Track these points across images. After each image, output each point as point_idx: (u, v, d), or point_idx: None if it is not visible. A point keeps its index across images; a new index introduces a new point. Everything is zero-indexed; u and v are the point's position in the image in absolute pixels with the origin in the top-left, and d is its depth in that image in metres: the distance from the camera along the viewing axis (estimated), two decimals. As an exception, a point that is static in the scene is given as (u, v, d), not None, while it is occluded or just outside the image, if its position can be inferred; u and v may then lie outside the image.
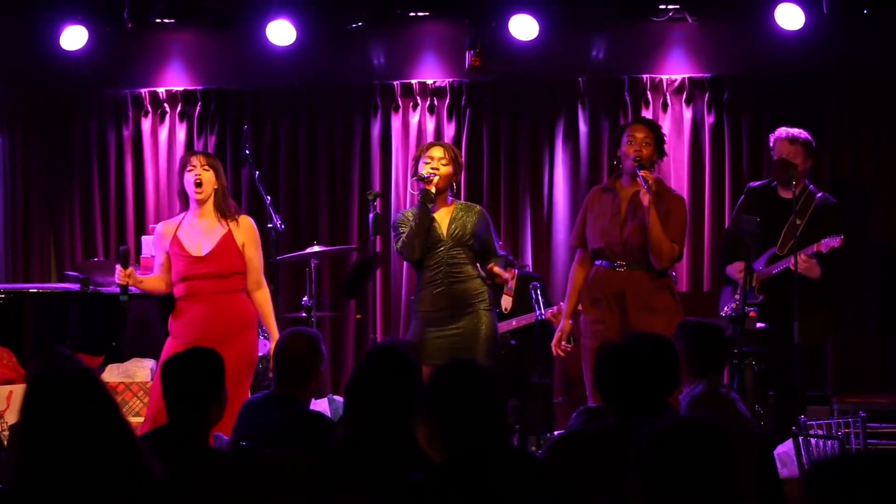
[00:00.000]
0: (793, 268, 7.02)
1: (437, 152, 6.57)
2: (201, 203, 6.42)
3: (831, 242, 7.14)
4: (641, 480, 2.76)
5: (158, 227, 6.63)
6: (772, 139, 7.62)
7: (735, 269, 7.39)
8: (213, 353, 4.49)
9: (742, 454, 2.82)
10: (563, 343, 6.84)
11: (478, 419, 3.32)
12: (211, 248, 6.38)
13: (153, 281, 6.48)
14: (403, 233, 6.54)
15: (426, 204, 6.49)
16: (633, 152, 6.61)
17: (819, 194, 7.45)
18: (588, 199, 6.90)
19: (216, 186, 6.44)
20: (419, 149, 6.76)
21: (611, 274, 6.64)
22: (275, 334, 6.47)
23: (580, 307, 6.86)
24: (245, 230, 6.49)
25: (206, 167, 6.42)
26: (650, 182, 6.50)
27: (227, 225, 6.44)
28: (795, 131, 7.51)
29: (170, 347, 6.30)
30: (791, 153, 7.42)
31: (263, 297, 6.53)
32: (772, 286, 7.31)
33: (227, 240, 6.41)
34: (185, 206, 6.58)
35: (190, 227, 6.44)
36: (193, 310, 6.35)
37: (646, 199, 6.51)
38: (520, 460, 3.34)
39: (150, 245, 7.57)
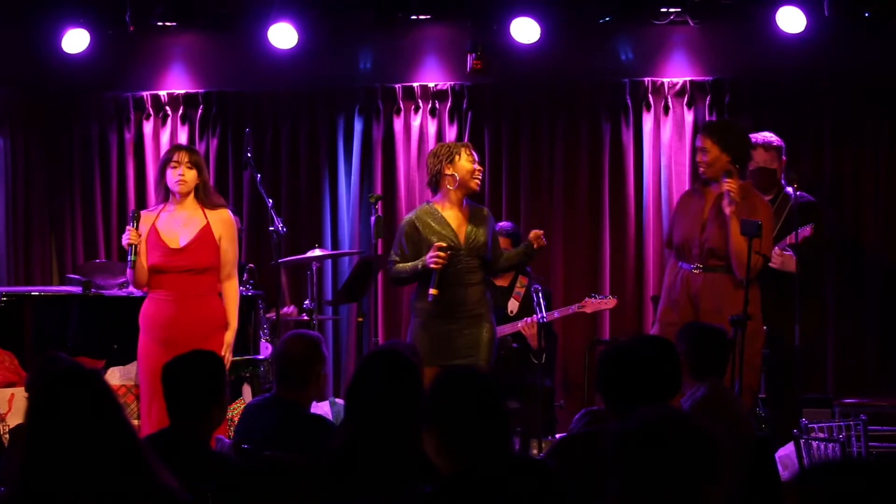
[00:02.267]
0: (772, 263, 7.12)
1: (476, 159, 6.69)
2: (182, 196, 6.41)
3: (803, 232, 7.18)
4: (618, 477, 2.76)
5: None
6: None
7: None
8: (214, 356, 4.49)
9: (717, 445, 2.81)
10: None
11: (487, 428, 3.30)
12: (188, 241, 6.37)
13: (142, 264, 6.35)
14: (403, 257, 6.62)
15: (426, 270, 6.52)
16: (698, 163, 6.72)
17: (794, 194, 7.50)
18: (678, 201, 6.99)
19: (198, 182, 6.43)
20: (455, 145, 6.78)
21: (689, 276, 6.65)
22: (233, 325, 6.43)
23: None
24: (223, 223, 6.46)
25: (190, 166, 6.40)
26: (733, 194, 6.49)
27: (207, 217, 6.42)
28: (770, 137, 7.58)
29: (147, 346, 6.32)
30: (768, 160, 7.50)
31: (232, 287, 6.47)
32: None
33: (206, 232, 6.40)
34: (163, 198, 6.48)
35: (170, 217, 6.40)
36: (166, 310, 6.32)
37: (728, 208, 6.50)
38: (531, 469, 3.33)
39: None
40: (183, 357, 4.42)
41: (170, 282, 6.34)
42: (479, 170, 6.70)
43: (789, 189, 7.59)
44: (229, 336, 6.42)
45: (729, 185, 6.51)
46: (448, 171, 6.60)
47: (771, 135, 7.64)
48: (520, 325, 7.70)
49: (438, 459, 3.30)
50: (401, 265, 6.66)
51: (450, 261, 6.52)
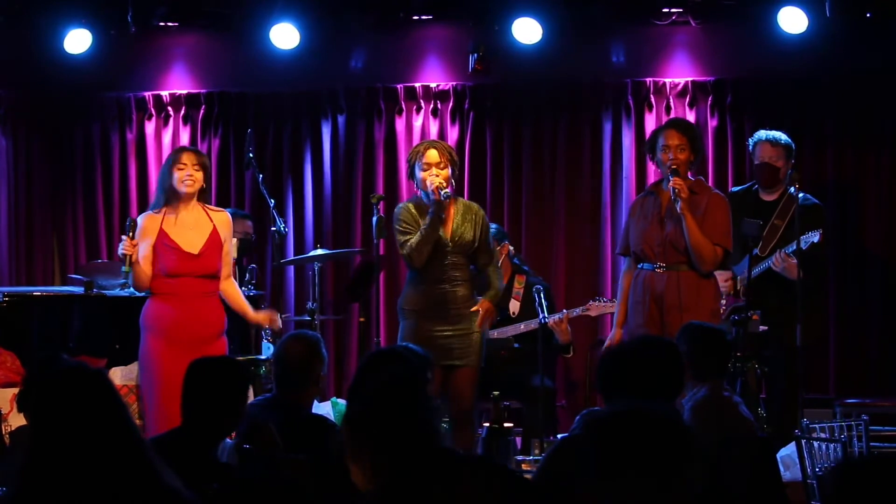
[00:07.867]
0: (775, 266, 7.12)
1: (433, 156, 6.42)
2: (188, 198, 6.40)
3: (810, 238, 7.17)
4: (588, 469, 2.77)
5: (139, 218, 6.48)
6: (751, 142, 7.72)
7: (723, 278, 7.36)
8: (240, 364, 4.52)
9: (691, 440, 2.81)
10: None
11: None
12: (202, 246, 6.38)
13: (143, 270, 6.36)
14: (409, 233, 6.42)
15: (440, 215, 6.39)
16: (668, 160, 6.59)
17: (800, 195, 7.50)
18: (632, 205, 6.90)
19: (203, 185, 6.45)
20: (413, 151, 6.61)
21: (651, 276, 6.60)
22: (251, 314, 6.62)
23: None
24: (227, 224, 6.52)
25: (198, 168, 6.41)
26: (679, 190, 6.47)
27: (212, 220, 6.45)
28: (776, 134, 7.61)
29: (153, 346, 6.30)
30: (773, 156, 7.52)
31: (233, 285, 6.59)
32: (754, 288, 7.25)
33: (215, 237, 6.42)
34: (164, 201, 6.44)
35: (176, 220, 6.39)
36: (175, 311, 6.32)
37: (677, 206, 6.49)
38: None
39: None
40: (208, 362, 4.45)
41: (182, 285, 6.34)
42: (433, 176, 6.38)
43: (792, 189, 7.61)
44: (256, 315, 6.63)
45: (676, 182, 6.50)
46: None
47: (780, 133, 7.65)
48: (550, 321, 7.54)
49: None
50: (412, 238, 6.42)
51: (435, 257, 6.48)
